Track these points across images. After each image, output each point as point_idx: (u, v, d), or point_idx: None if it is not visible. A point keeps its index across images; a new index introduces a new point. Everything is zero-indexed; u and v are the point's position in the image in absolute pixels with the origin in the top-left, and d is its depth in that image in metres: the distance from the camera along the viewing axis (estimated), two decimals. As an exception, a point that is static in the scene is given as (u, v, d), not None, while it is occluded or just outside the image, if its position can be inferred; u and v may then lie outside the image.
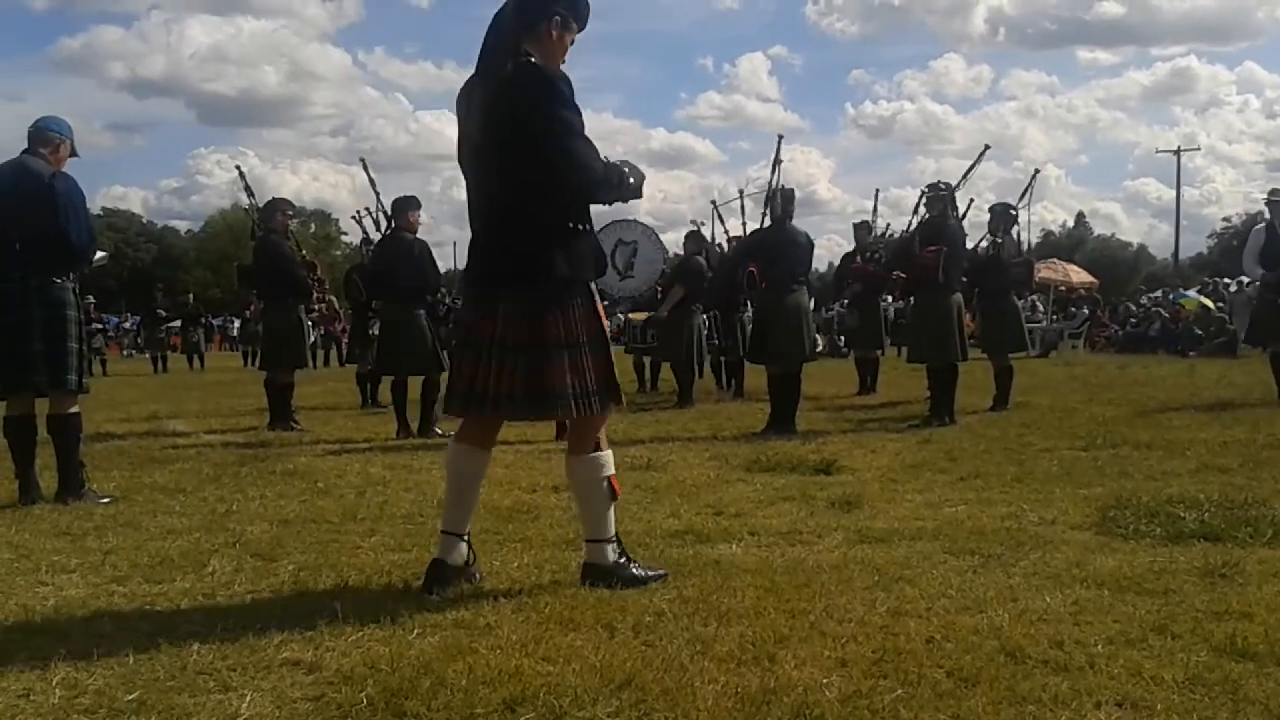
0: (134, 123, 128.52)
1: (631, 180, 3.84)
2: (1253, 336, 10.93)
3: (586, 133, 3.66)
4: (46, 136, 5.83)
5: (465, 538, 3.83)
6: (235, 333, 38.10)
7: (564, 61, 3.77)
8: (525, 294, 3.67)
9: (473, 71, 3.76)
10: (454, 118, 3.85)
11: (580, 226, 3.73)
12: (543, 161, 3.59)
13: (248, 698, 2.70)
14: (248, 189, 10.53)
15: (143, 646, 3.11)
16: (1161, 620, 3.20)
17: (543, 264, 3.64)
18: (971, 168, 10.07)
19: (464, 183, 3.88)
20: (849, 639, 3.07)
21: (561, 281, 3.67)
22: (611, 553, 3.78)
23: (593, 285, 3.82)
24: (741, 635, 3.12)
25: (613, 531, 3.82)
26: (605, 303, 4.47)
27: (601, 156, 3.72)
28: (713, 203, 13.10)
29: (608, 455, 3.83)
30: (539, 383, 3.64)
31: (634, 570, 3.78)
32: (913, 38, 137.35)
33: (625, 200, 3.94)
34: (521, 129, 3.59)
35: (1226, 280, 31.04)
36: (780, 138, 9.54)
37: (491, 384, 3.69)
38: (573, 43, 3.81)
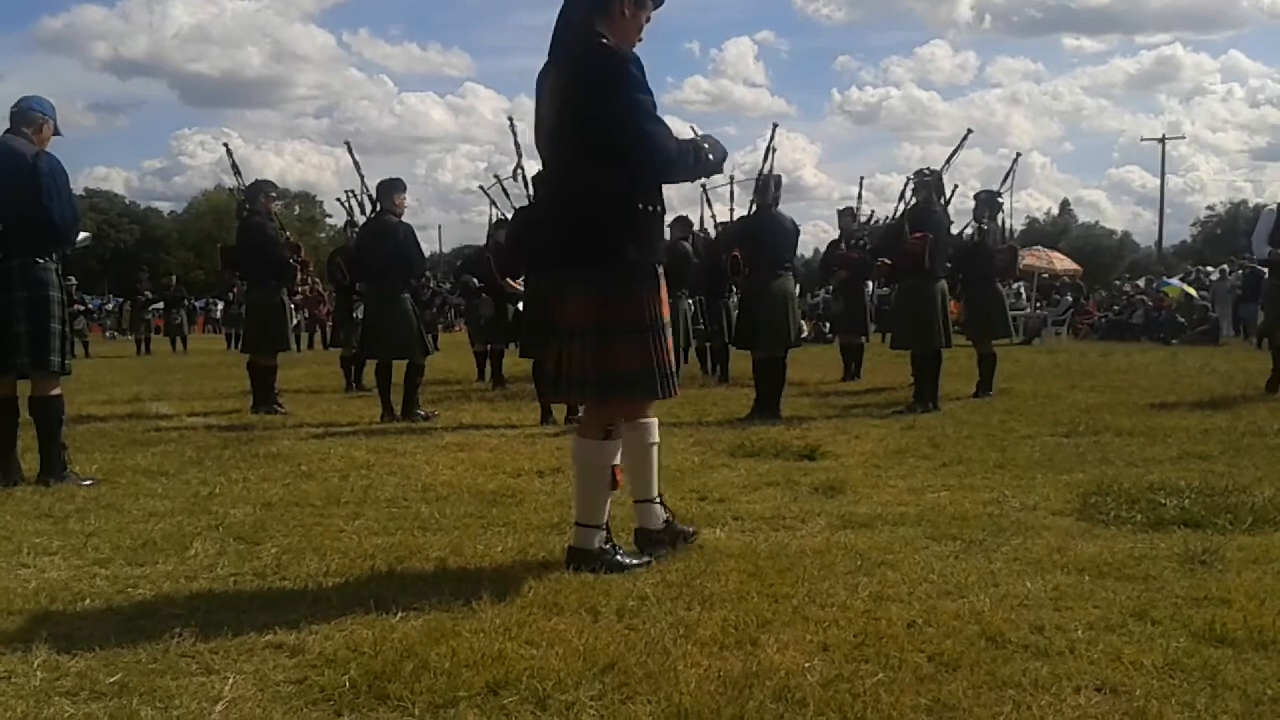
0: (116, 103, 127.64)
1: (711, 156, 3.86)
2: (1269, 327, 10.31)
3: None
4: (29, 116, 5.78)
5: (657, 500, 3.92)
6: (218, 315, 37.91)
7: (640, 40, 3.79)
8: (594, 275, 3.70)
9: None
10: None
11: (651, 208, 3.76)
12: (613, 144, 3.61)
13: (230, 680, 2.70)
14: (235, 168, 10.46)
15: (125, 629, 3.10)
16: (1141, 606, 3.22)
17: (612, 246, 3.68)
18: (954, 152, 10.10)
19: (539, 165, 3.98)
20: (831, 623, 3.09)
21: (630, 264, 3.71)
22: (598, 540, 3.79)
23: (659, 269, 3.84)
24: (724, 619, 3.12)
25: (604, 519, 3.82)
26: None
27: (675, 135, 3.74)
28: (702, 186, 13.05)
29: (616, 445, 3.85)
30: (607, 365, 3.69)
31: (619, 557, 3.78)
32: (899, 24, 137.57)
33: (707, 176, 3.96)
34: (591, 112, 3.61)
35: (1209, 268, 31.21)
36: (775, 125, 9.54)
37: (565, 367, 3.75)
38: (649, 19, 3.83)
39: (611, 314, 3.69)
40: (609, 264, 3.69)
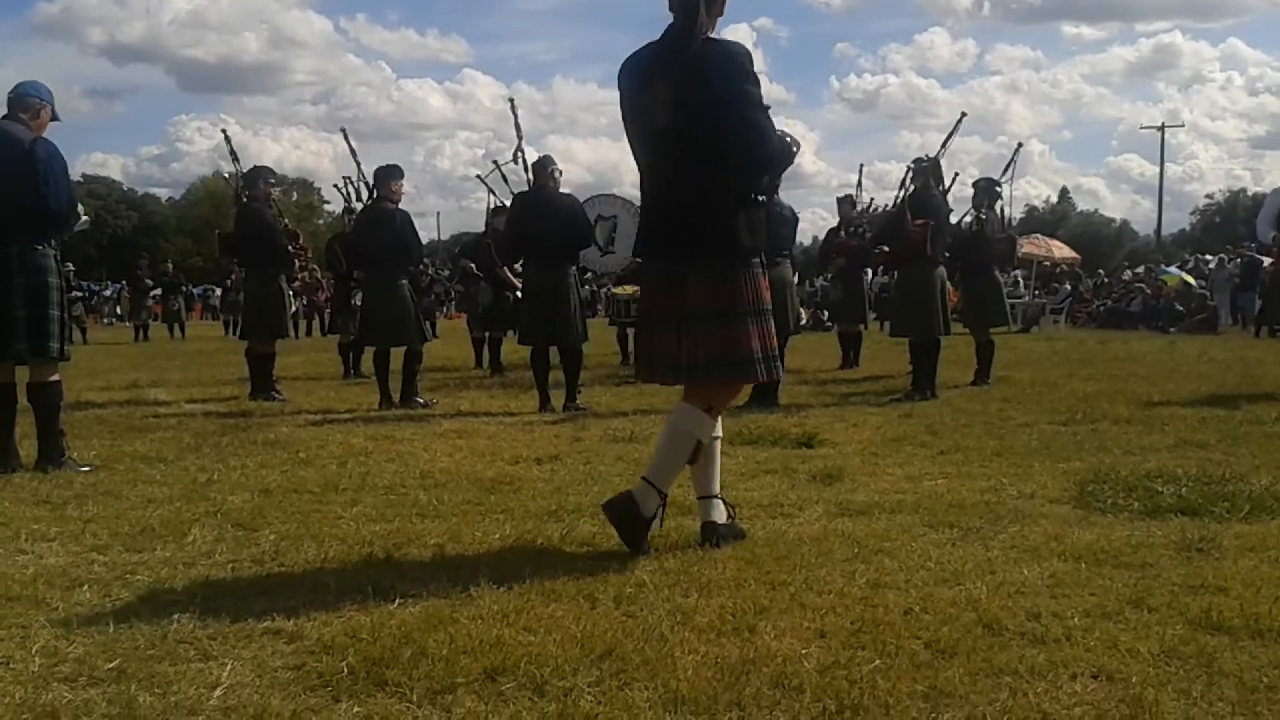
0: (113, 89, 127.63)
1: (795, 150, 4.09)
2: (1271, 315, 10.20)
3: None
4: (27, 102, 5.76)
5: (718, 496, 3.99)
6: (216, 302, 37.85)
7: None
8: (715, 264, 3.79)
9: (640, 47, 3.88)
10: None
11: (760, 197, 3.88)
12: (729, 136, 3.71)
13: (228, 666, 2.70)
14: (233, 154, 10.43)
15: (123, 615, 3.11)
16: (1138, 593, 3.22)
17: (729, 235, 3.78)
18: (949, 136, 10.07)
19: (635, 160, 4.00)
20: (828, 610, 3.09)
21: (747, 250, 3.82)
22: (652, 505, 3.81)
23: (762, 256, 3.95)
24: (722, 606, 3.13)
25: (668, 489, 3.89)
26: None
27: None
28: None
29: (715, 422, 3.93)
30: (731, 348, 3.78)
31: (642, 537, 3.80)
32: (898, 11, 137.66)
33: (787, 167, 4.14)
34: (707, 106, 3.69)
35: (1208, 257, 31.19)
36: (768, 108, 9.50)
37: (685, 353, 3.81)
38: None
39: (730, 299, 3.78)
40: (728, 252, 3.79)
